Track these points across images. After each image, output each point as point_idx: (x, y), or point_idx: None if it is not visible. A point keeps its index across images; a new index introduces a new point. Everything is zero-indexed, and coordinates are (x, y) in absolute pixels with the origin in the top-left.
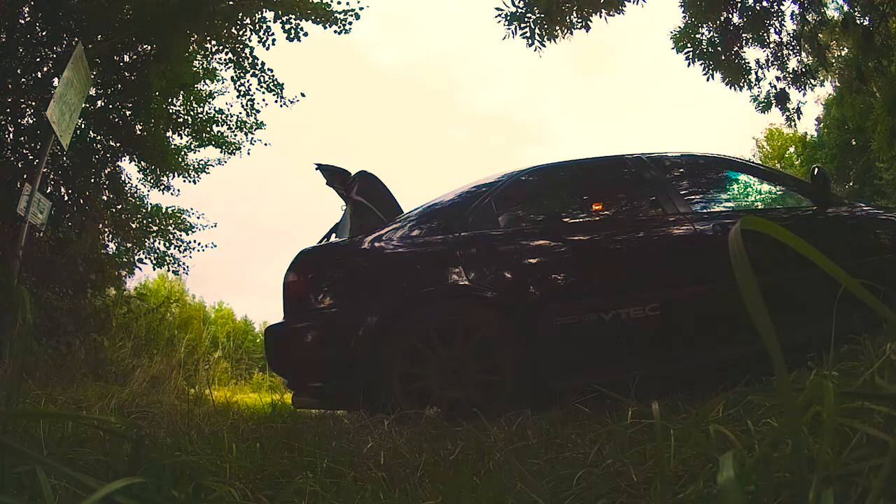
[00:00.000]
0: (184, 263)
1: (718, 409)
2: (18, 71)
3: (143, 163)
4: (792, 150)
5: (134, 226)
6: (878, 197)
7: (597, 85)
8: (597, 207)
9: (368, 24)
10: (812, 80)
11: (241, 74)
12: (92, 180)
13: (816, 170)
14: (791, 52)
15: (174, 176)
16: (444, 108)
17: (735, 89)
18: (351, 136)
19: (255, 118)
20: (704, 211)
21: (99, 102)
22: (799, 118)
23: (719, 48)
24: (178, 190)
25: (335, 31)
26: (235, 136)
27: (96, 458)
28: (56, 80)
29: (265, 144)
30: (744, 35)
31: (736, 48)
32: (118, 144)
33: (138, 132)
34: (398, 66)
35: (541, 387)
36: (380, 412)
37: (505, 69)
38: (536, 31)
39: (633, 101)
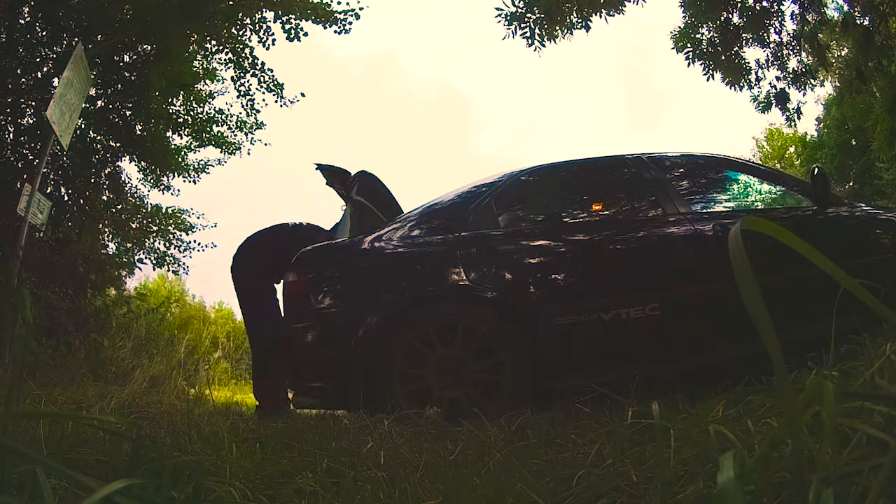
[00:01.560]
0: (184, 263)
1: (718, 409)
2: (18, 71)
3: (143, 163)
4: (792, 150)
5: (134, 226)
6: (878, 197)
7: (605, 86)
8: (597, 207)
9: (400, 38)
10: (812, 80)
11: (241, 74)
12: (92, 180)
13: (816, 170)
14: (791, 52)
15: (174, 176)
16: (472, 116)
17: (735, 89)
18: (374, 141)
19: (255, 118)
20: (704, 211)
21: (99, 102)
22: (799, 118)
23: (719, 48)
24: (178, 190)
25: (335, 32)
26: (235, 136)
27: (96, 458)
28: (56, 80)
29: (265, 144)
30: (744, 35)
31: (736, 48)
32: (118, 144)
33: (138, 132)
34: (427, 77)
35: (541, 387)
36: (380, 412)
37: (516, 69)
38: (536, 31)
39: (636, 101)
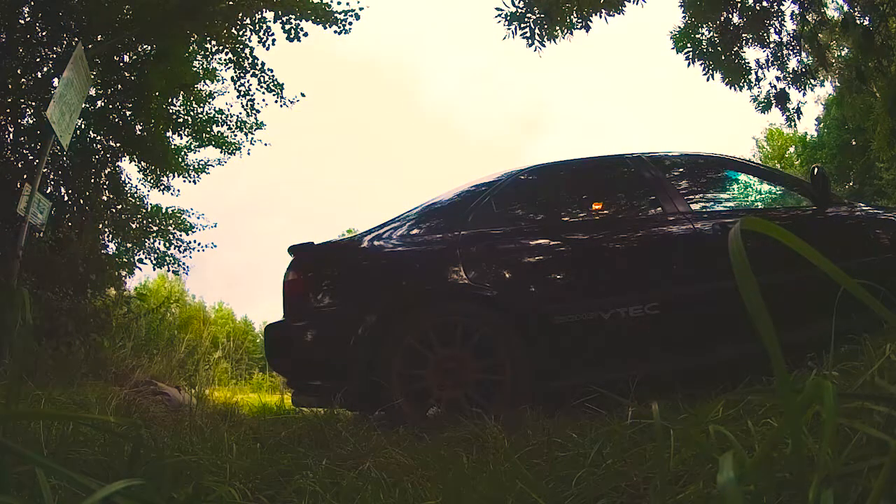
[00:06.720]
0: (184, 263)
1: (718, 409)
2: (18, 71)
3: (143, 163)
4: (792, 150)
5: (134, 226)
6: (878, 197)
7: (594, 84)
8: (596, 207)
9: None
10: (812, 80)
11: (241, 74)
12: (92, 180)
13: (816, 170)
14: (791, 52)
15: (174, 176)
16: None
17: (735, 89)
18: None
19: (255, 118)
20: (704, 211)
21: (99, 102)
22: (799, 118)
23: (719, 48)
24: (178, 190)
25: (335, 32)
26: (235, 136)
27: (96, 458)
28: (56, 80)
29: (265, 144)
30: (744, 35)
31: (736, 48)
32: (118, 144)
33: (138, 132)
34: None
35: (540, 387)
36: (379, 412)
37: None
38: (536, 31)
39: (633, 100)
